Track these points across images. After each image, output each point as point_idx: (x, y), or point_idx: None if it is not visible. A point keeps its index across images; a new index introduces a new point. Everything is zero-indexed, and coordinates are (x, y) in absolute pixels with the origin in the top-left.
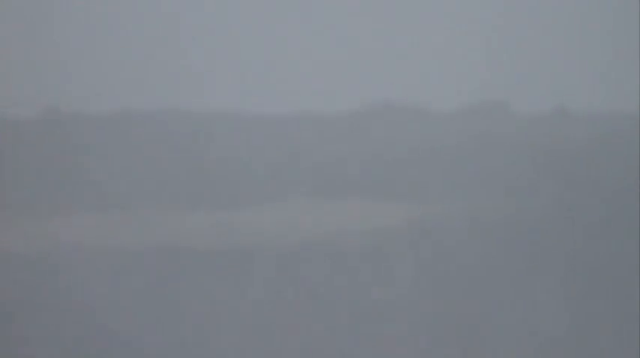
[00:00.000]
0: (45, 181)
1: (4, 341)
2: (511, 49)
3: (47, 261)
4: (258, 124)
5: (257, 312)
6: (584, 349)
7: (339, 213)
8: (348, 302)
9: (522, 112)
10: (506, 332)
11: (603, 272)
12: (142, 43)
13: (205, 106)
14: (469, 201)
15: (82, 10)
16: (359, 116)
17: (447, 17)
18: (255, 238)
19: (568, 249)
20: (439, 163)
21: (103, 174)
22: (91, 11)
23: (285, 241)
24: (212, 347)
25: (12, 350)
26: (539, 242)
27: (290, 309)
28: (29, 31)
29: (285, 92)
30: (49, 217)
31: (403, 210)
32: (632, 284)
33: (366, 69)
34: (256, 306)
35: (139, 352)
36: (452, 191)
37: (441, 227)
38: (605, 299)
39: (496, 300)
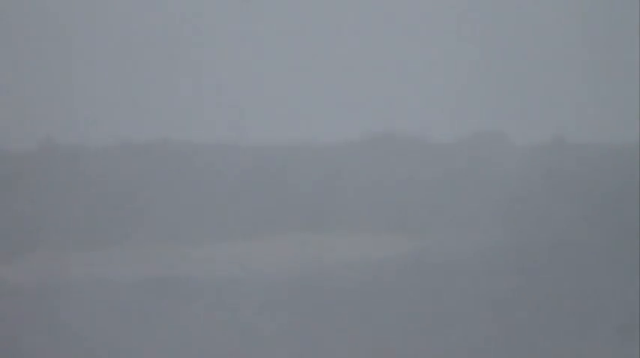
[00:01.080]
0: (44, 214)
1: None
2: (509, 80)
3: (46, 295)
4: (252, 155)
5: (247, 344)
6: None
7: (334, 246)
8: (340, 337)
9: (521, 143)
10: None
11: (606, 303)
12: (138, 74)
13: (200, 137)
14: (467, 231)
15: (78, 39)
16: (355, 146)
17: (444, 48)
18: (245, 271)
19: (568, 279)
20: (437, 194)
21: (98, 207)
22: (88, 41)
23: (278, 274)
24: None
25: None
26: (538, 272)
27: (281, 343)
28: (25, 62)
29: (281, 122)
30: (47, 250)
31: (401, 241)
32: (633, 302)
33: (362, 100)
34: (246, 339)
35: None
36: (450, 222)
37: (440, 258)
38: (607, 330)
39: (495, 333)
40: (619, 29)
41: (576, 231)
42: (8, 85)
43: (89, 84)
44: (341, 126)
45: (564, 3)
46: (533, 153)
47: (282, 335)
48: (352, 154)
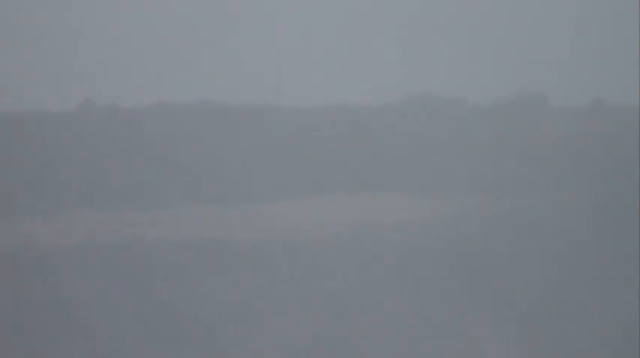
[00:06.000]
0: (87, 175)
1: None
2: (546, 43)
3: (85, 256)
4: (289, 116)
5: (282, 305)
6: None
7: (369, 208)
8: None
9: (558, 106)
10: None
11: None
12: (168, 39)
13: (232, 100)
14: (504, 195)
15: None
16: (391, 108)
17: (483, 10)
18: (275, 233)
19: (596, 243)
20: (474, 157)
21: (139, 168)
22: (125, 6)
23: (313, 235)
24: (229, 337)
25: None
26: (563, 237)
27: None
28: (61, 28)
29: (319, 84)
30: (89, 211)
31: (437, 204)
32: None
33: (400, 63)
34: (281, 298)
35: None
36: (486, 185)
37: (475, 222)
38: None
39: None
40: None
41: (613, 194)
42: (48, 52)
43: (130, 47)
44: (378, 87)
45: None
46: (571, 115)
47: (317, 296)
48: (389, 116)
